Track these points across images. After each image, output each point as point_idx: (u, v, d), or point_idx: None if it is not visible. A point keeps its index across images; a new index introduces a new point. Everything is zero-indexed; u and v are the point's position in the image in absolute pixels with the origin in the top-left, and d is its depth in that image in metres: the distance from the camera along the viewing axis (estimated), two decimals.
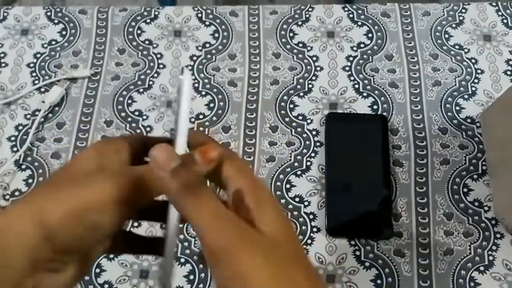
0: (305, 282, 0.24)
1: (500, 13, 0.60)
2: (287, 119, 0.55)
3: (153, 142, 0.26)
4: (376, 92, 0.56)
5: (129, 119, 0.56)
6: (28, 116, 0.56)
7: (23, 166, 0.54)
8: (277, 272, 0.23)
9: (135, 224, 0.51)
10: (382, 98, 0.56)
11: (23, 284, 0.23)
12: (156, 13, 0.62)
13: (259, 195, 0.25)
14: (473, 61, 0.58)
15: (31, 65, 0.59)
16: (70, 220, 0.24)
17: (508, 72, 0.57)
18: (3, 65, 0.59)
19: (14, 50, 0.59)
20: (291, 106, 0.56)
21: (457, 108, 0.55)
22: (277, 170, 0.53)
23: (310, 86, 0.57)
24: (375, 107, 0.56)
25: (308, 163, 0.53)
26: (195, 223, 0.24)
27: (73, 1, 1.50)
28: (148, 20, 0.61)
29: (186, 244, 0.50)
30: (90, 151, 0.27)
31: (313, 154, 0.54)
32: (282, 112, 0.56)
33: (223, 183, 0.26)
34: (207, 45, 0.60)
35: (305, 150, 0.54)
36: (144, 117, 0.56)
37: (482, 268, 0.48)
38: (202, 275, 0.49)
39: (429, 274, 0.48)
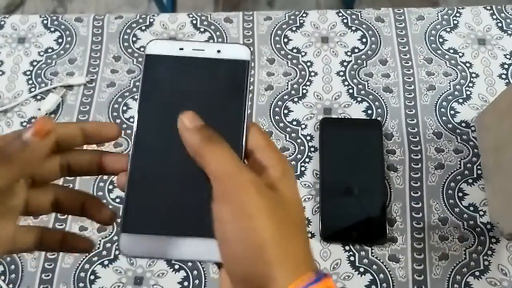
0: (304, 243, 0.25)
1: (494, 16, 0.60)
2: (281, 125, 0.55)
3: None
4: (370, 96, 0.56)
5: (124, 125, 0.56)
6: (25, 124, 0.56)
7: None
8: (281, 223, 0.24)
9: None
10: (376, 103, 0.56)
11: None
12: (151, 20, 0.62)
13: (285, 168, 0.27)
14: (467, 65, 0.58)
15: (28, 73, 0.59)
16: None
17: (503, 76, 0.57)
18: (0, 73, 0.59)
19: (11, 58, 0.60)
20: (286, 111, 0.56)
21: (452, 112, 0.55)
22: None
23: (304, 91, 0.57)
24: (369, 112, 0.56)
25: (303, 169, 0.53)
26: (212, 167, 0.25)
27: (74, 8, 1.51)
28: (144, 27, 0.62)
29: None
30: None
31: (307, 160, 0.54)
32: (277, 117, 0.56)
33: (249, 153, 0.27)
34: None
35: (299, 156, 0.54)
36: None
37: (477, 273, 0.48)
38: (196, 281, 0.49)
39: (424, 279, 0.48)
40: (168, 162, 0.27)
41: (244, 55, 0.28)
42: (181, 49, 0.28)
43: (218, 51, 0.28)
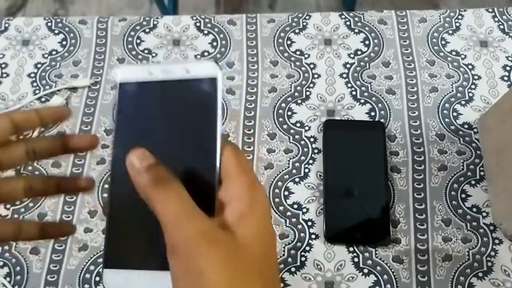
0: None
1: (496, 19, 0.61)
2: (285, 126, 0.56)
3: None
4: (374, 98, 0.57)
5: None
6: None
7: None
8: (235, 276, 0.23)
9: None
10: (380, 105, 0.56)
11: None
12: (155, 22, 0.62)
13: (253, 198, 0.25)
14: (470, 67, 0.58)
15: (32, 75, 0.59)
16: None
17: (505, 78, 0.57)
18: (4, 75, 0.59)
19: (15, 60, 0.60)
20: (289, 113, 0.56)
21: (455, 114, 0.56)
22: (276, 177, 0.53)
23: (307, 93, 0.57)
24: (372, 113, 0.56)
25: (306, 170, 0.53)
26: (161, 216, 0.24)
27: (76, 10, 1.52)
28: (147, 30, 0.62)
29: None
30: None
31: (311, 161, 0.54)
32: (280, 119, 0.56)
33: (222, 178, 0.26)
34: (206, 53, 0.60)
35: (303, 157, 0.54)
36: None
37: (480, 274, 0.48)
38: None
39: (427, 280, 0.48)
40: None
41: (212, 72, 0.27)
42: (151, 73, 0.28)
43: (187, 71, 0.27)
